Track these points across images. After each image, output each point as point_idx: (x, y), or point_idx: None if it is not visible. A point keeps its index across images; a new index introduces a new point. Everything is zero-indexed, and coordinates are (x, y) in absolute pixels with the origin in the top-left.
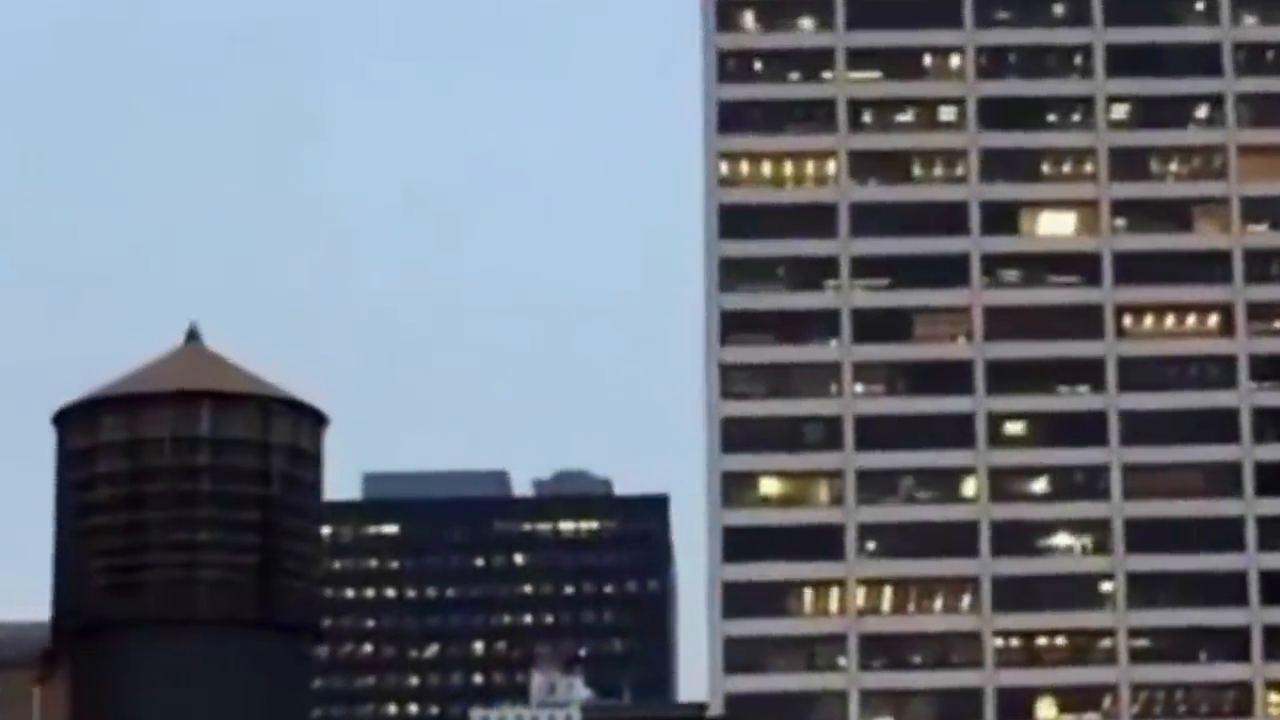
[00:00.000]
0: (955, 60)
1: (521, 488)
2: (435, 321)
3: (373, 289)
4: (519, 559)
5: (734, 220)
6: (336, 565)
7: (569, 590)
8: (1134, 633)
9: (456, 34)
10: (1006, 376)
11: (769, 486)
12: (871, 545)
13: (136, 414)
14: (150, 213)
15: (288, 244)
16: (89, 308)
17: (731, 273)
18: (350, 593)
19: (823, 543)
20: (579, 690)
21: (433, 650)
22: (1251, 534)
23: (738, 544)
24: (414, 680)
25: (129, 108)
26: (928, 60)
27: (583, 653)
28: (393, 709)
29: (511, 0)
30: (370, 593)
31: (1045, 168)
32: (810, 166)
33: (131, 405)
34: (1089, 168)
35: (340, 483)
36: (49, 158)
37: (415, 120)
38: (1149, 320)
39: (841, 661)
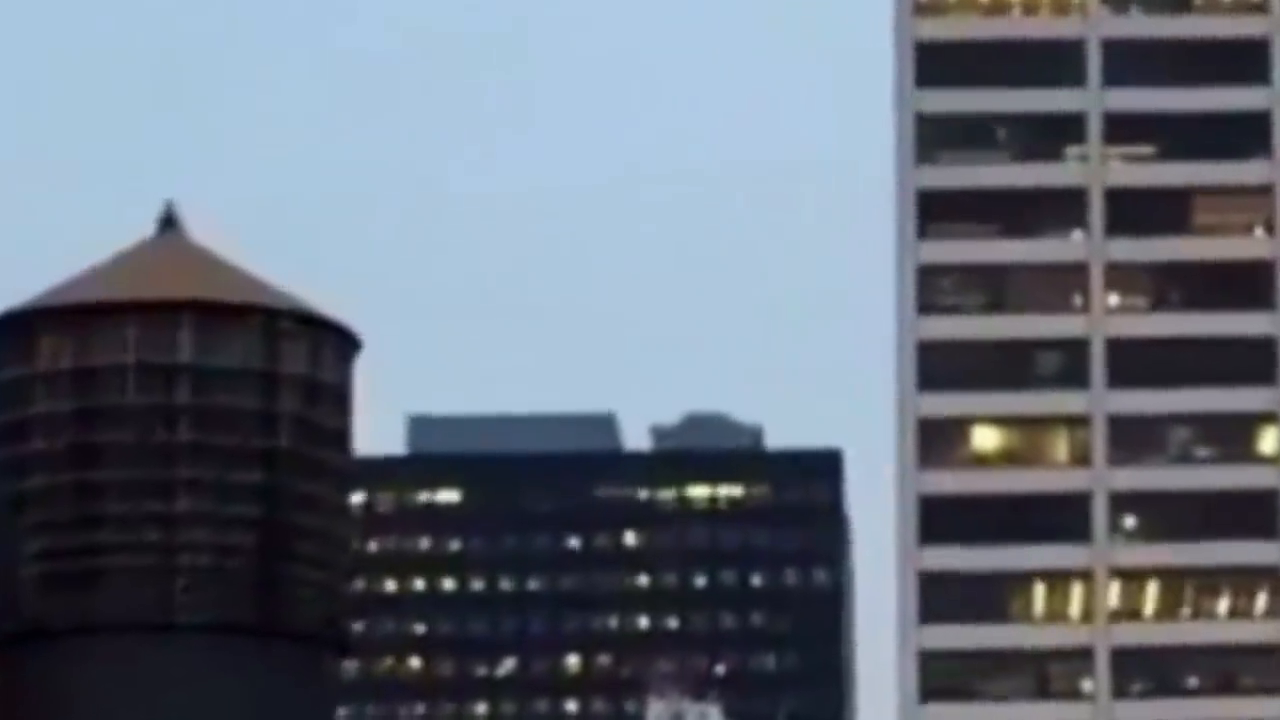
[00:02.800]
0: None
1: (635, 439)
2: (513, 204)
3: (422, 155)
4: (631, 538)
5: (936, 62)
6: (372, 547)
7: (701, 583)
8: None
9: None
10: None
11: (984, 439)
12: (1130, 522)
13: (87, 332)
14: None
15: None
16: (32, 185)
17: (933, 136)
18: (392, 586)
19: (1061, 519)
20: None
21: (508, 666)
22: None
23: (940, 520)
24: (481, 708)
25: None
26: None
27: (721, 670)
28: None
29: None
30: (420, 585)
31: None
32: None
33: (79, 319)
34: None
35: (377, 430)
36: None
37: None
38: None
39: (1086, 686)
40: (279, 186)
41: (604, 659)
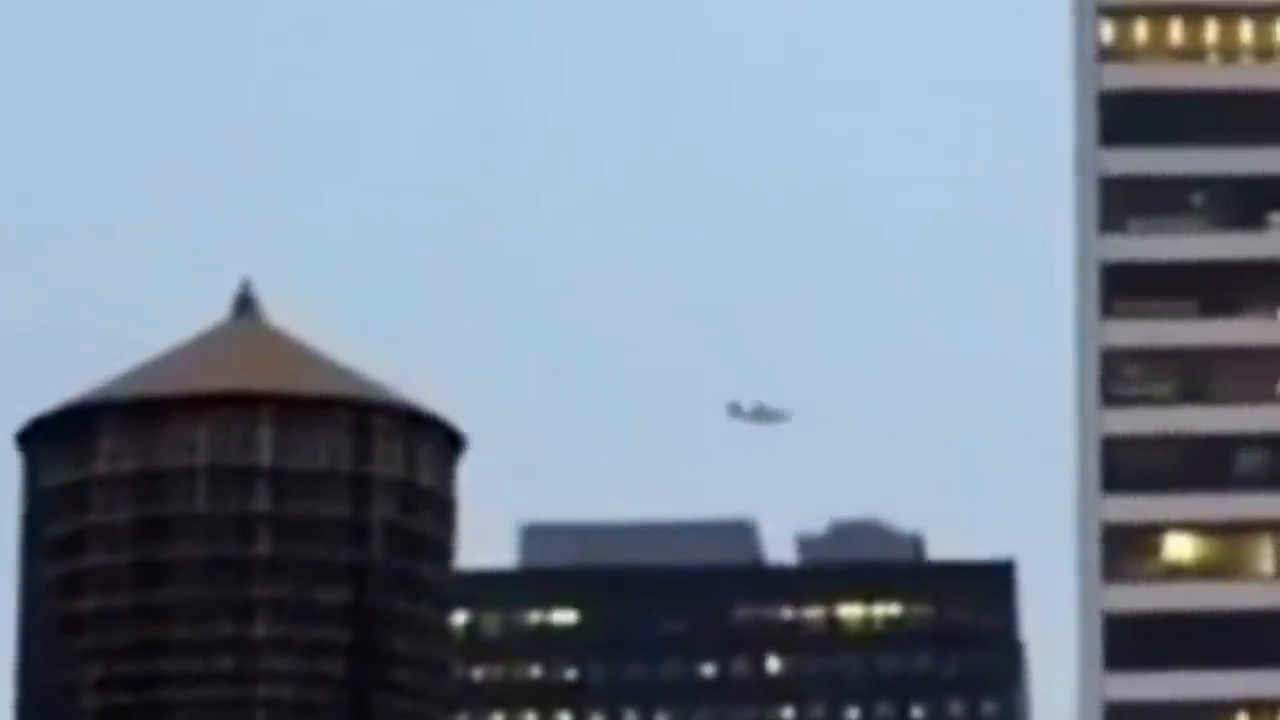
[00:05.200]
0: None
1: (778, 550)
2: (623, 290)
3: (549, 223)
4: (774, 665)
5: (1123, 116)
6: (477, 674)
7: (854, 715)
8: None
9: None
10: None
11: (1178, 548)
12: None
13: (152, 429)
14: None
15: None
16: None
17: (1119, 201)
18: (500, 718)
19: (1267, 640)
20: None
21: None
22: None
23: (1128, 642)
24: None
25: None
26: None
27: None
28: None
29: None
30: (533, 717)
31: None
32: (1248, 29)
33: (144, 415)
34: None
35: (484, 541)
36: None
37: None
38: None
39: None
40: (370, 264)
41: None
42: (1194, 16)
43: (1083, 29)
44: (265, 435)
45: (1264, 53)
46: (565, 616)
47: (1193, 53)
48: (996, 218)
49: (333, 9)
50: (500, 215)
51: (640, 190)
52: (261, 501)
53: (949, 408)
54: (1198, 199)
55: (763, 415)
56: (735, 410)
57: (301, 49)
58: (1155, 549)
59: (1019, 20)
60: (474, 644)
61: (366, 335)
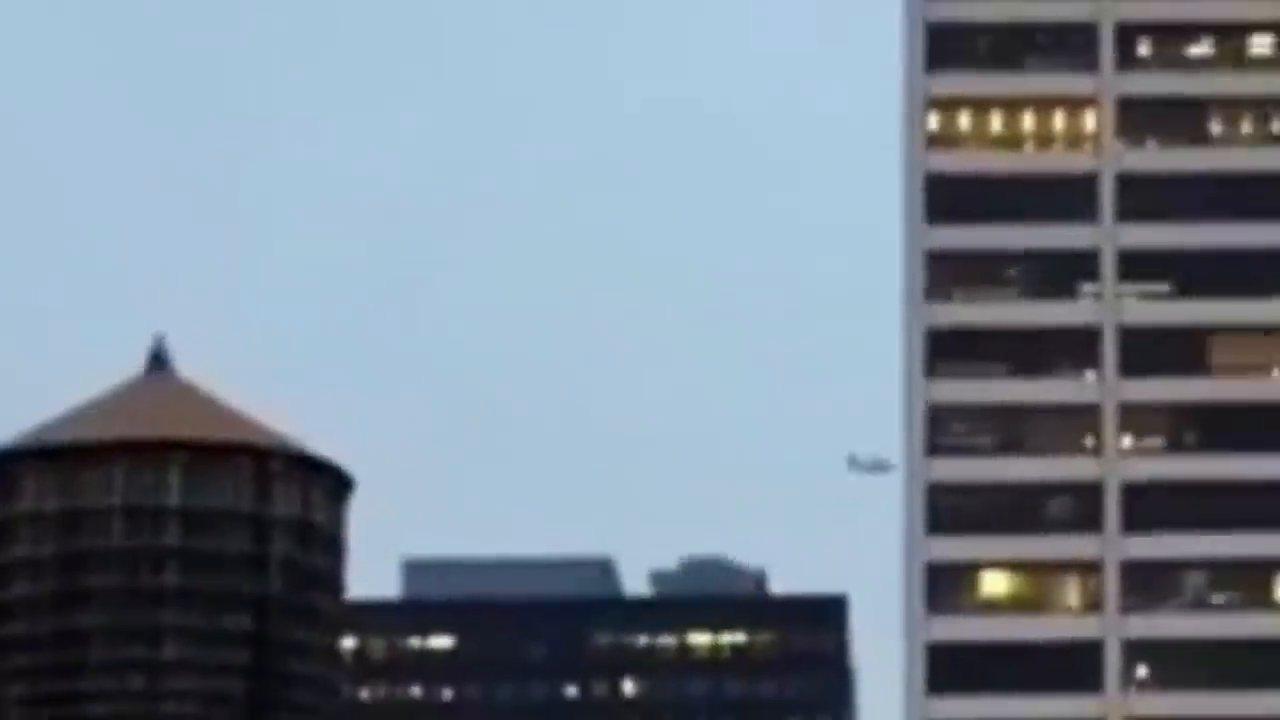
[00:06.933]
0: None
1: (634, 583)
2: (501, 349)
3: (427, 301)
4: (630, 687)
5: (947, 198)
6: (364, 694)
7: None
8: None
9: None
10: None
11: (993, 584)
12: (1143, 672)
13: (74, 474)
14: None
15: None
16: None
17: (943, 273)
18: None
19: (1072, 668)
20: None
21: None
22: None
23: (949, 668)
24: None
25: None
26: None
27: None
28: None
29: None
30: None
31: None
32: (1060, 120)
33: (65, 460)
34: None
35: (370, 573)
36: None
37: None
38: None
39: None
40: (274, 324)
41: None
42: (1011, 108)
43: (912, 119)
44: (175, 478)
45: (1073, 140)
46: (443, 642)
47: (1010, 140)
48: (837, 287)
49: (252, 78)
50: (396, 293)
51: (531, 259)
52: (171, 537)
53: (792, 457)
54: (1013, 271)
55: (877, 467)
56: (853, 462)
57: (223, 122)
58: (973, 585)
59: (854, 109)
60: (361, 667)
61: (268, 388)
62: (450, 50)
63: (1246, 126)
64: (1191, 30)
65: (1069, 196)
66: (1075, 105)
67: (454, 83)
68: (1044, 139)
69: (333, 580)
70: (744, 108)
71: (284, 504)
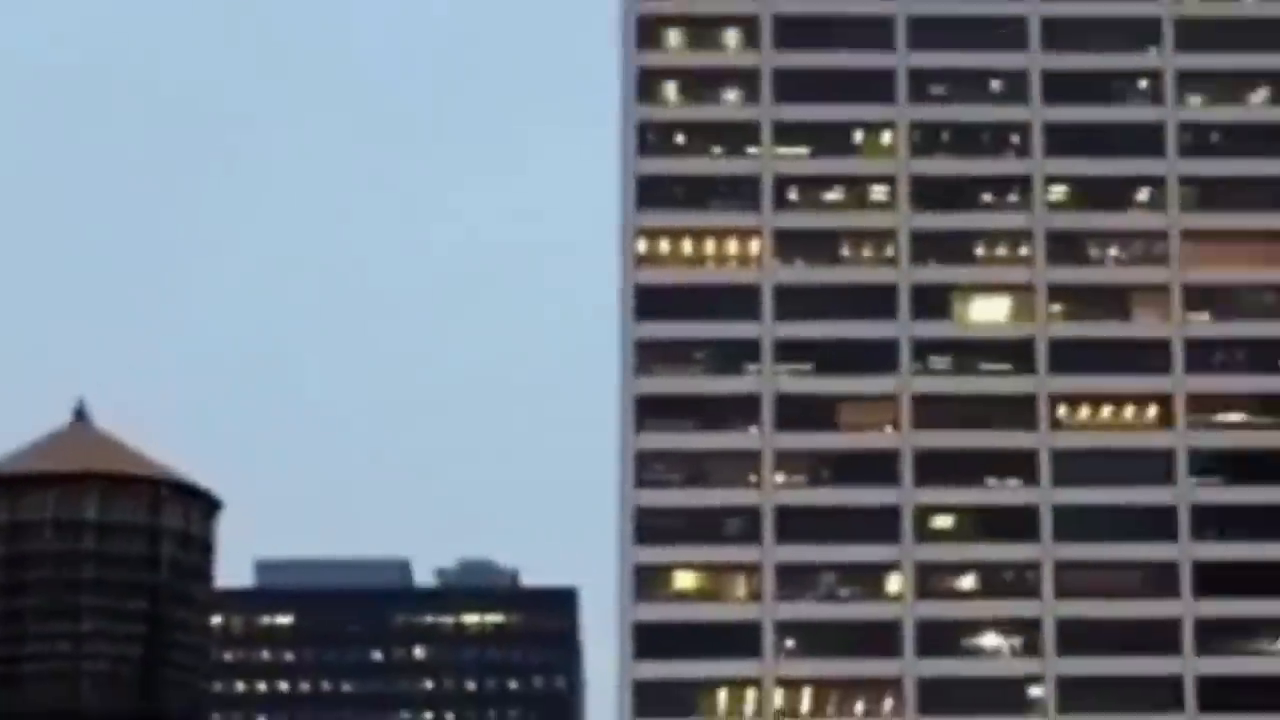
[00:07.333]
0: (887, 136)
1: (424, 578)
2: (338, 404)
3: (279, 367)
4: (420, 653)
5: (652, 301)
6: (227, 657)
7: (471, 686)
8: None
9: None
10: (935, 468)
11: (683, 580)
12: (790, 644)
13: (17, 496)
14: (35, 283)
15: (185, 321)
16: None
17: (648, 356)
18: (241, 686)
19: (739, 640)
20: None
21: None
22: (1189, 637)
23: (649, 640)
24: None
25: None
26: (858, 136)
27: None
28: None
29: (416, 91)
30: (262, 686)
31: (979, 250)
32: (733, 245)
33: (12, 487)
34: (1024, 251)
35: (232, 570)
36: None
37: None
38: (1084, 411)
39: None
40: (167, 387)
41: None
42: (698, 236)
43: (626, 245)
44: (92, 500)
45: (743, 260)
46: (285, 619)
47: (697, 260)
48: (570, 365)
49: (149, 158)
50: (263, 371)
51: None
52: (89, 543)
53: (543, 486)
54: (699, 354)
55: None
56: None
57: (133, 207)
58: (668, 581)
59: (581, 239)
60: (226, 637)
61: (162, 435)
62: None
63: (867, 251)
64: (828, 181)
65: (739, 301)
66: (744, 234)
67: (284, 225)
68: (721, 259)
69: (205, 574)
70: (512, 238)
71: (170, 519)
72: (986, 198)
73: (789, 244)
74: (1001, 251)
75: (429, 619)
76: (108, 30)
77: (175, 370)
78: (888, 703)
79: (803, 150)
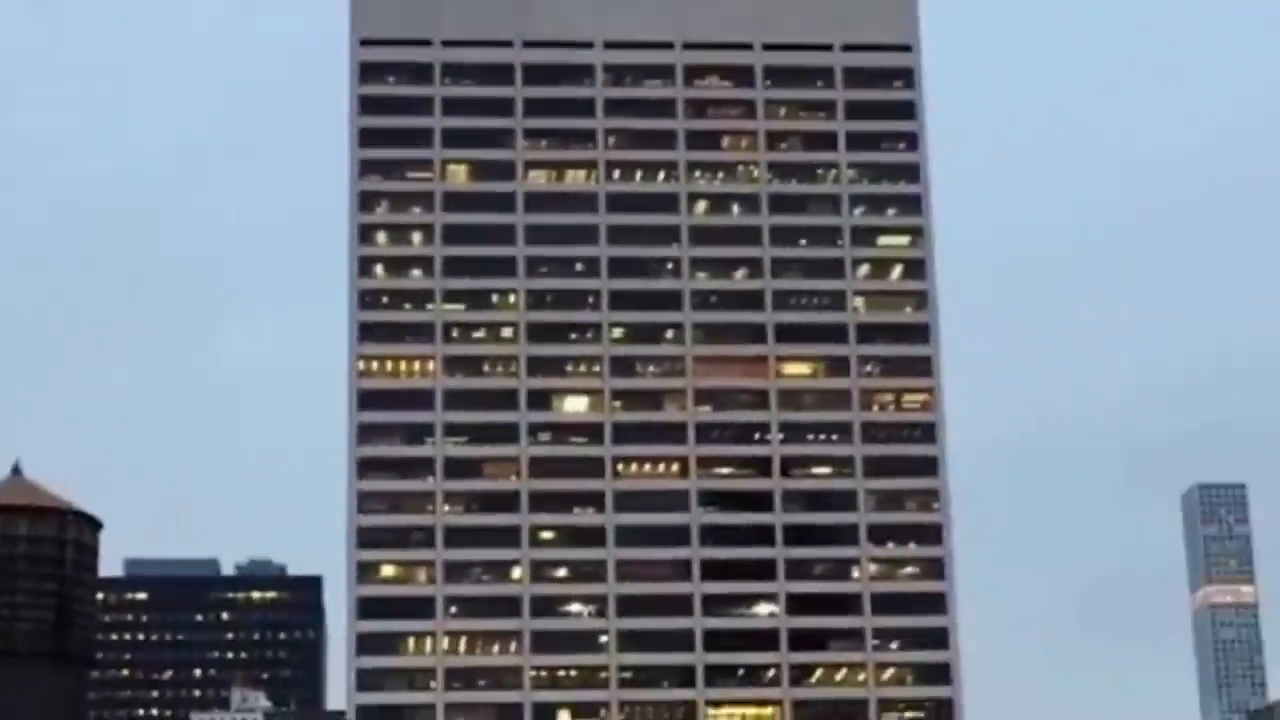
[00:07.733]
0: (512, 298)
1: (228, 569)
2: (185, 457)
3: (147, 437)
4: (225, 616)
5: (368, 399)
6: (107, 619)
7: (256, 637)
8: (622, 668)
9: None
10: (543, 502)
11: (387, 571)
12: (454, 609)
13: None
14: None
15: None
16: None
17: (366, 433)
18: (114, 636)
19: (421, 608)
20: (262, 701)
21: (168, 674)
22: (698, 605)
23: (367, 608)
24: (155, 694)
25: None
26: (495, 298)
27: (265, 677)
28: (140, 713)
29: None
30: (128, 636)
31: (569, 368)
32: (416, 365)
33: None
34: (597, 369)
35: (110, 565)
36: None
37: None
38: (634, 466)
39: (432, 685)
40: (79, 450)
41: (212, 671)
42: (395, 360)
43: (351, 363)
44: (24, 522)
45: (425, 373)
46: (143, 595)
47: (395, 374)
48: (324, 441)
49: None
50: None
51: None
52: (21, 548)
53: (301, 513)
54: (397, 432)
55: None
56: None
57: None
58: (378, 571)
59: (323, 368)
60: (105, 606)
61: (70, 482)
62: None
63: (500, 368)
64: (476, 325)
65: (421, 399)
66: (424, 359)
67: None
68: (410, 373)
69: (93, 569)
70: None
71: (72, 533)
72: (574, 335)
73: (452, 364)
74: (583, 369)
75: (230, 594)
76: None
77: (81, 435)
78: (513, 645)
79: (461, 306)
